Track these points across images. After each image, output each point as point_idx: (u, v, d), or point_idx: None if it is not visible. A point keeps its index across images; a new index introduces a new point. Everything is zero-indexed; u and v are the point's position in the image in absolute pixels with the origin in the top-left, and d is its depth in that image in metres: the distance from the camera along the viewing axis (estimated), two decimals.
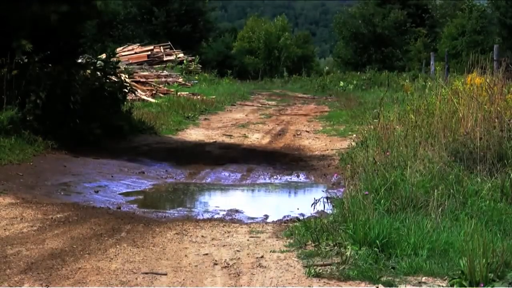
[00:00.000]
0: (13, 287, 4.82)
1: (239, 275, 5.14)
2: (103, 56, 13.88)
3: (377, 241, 5.42)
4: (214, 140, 13.73)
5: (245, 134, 14.72)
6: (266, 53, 46.50)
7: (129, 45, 30.52)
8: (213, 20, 43.73)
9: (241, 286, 4.94)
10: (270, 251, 5.77)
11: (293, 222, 6.83)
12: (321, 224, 6.10)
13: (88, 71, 13.15)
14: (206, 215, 7.48)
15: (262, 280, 5.03)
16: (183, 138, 14.08)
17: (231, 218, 7.34)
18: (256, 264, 5.39)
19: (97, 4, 13.00)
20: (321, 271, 5.11)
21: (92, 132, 11.61)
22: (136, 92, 16.58)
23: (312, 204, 6.62)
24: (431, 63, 23.20)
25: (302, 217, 6.90)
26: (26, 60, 11.75)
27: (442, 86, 9.27)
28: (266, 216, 7.48)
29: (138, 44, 30.80)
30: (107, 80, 13.31)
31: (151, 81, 23.04)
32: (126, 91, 13.83)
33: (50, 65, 12.18)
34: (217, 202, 8.40)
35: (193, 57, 30.83)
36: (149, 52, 29.48)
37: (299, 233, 6.15)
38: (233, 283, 4.98)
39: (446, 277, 4.96)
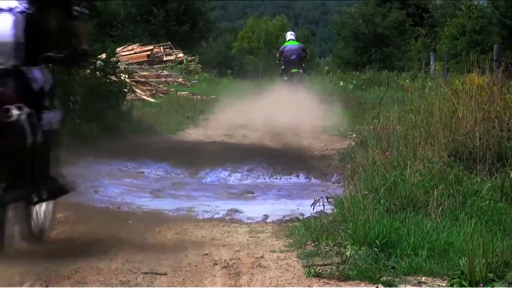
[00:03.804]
0: (13, 287, 4.82)
1: (239, 275, 5.14)
2: (103, 56, 13.88)
3: (377, 241, 5.42)
4: (214, 140, 13.73)
5: (245, 133, 14.71)
6: (266, 53, 46.48)
7: (129, 45, 30.48)
8: (213, 20, 43.68)
9: (241, 286, 4.94)
10: (270, 251, 5.77)
11: (293, 222, 6.83)
12: (321, 224, 6.11)
13: (88, 71, 13.16)
14: (206, 215, 7.48)
15: (262, 280, 5.03)
16: (183, 138, 14.07)
17: (231, 218, 7.34)
18: (256, 264, 5.40)
19: (97, 4, 13.02)
20: (320, 271, 5.11)
21: (92, 132, 11.61)
22: (136, 92, 16.58)
23: (312, 204, 6.62)
24: (431, 63, 23.21)
25: (302, 217, 6.91)
26: None
27: (442, 86, 9.28)
28: (266, 216, 7.47)
29: (138, 44, 30.76)
30: (107, 80, 13.32)
31: (151, 81, 23.03)
32: (126, 91, 13.82)
33: (49, 65, 12.16)
34: (216, 201, 8.40)
35: (193, 57, 30.81)
36: (149, 52, 29.44)
37: (299, 233, 6.16)
38: (233, 283, 4.99)
39: (446, 277, 4.96)
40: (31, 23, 4.76)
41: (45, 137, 5.15)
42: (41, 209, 5.52)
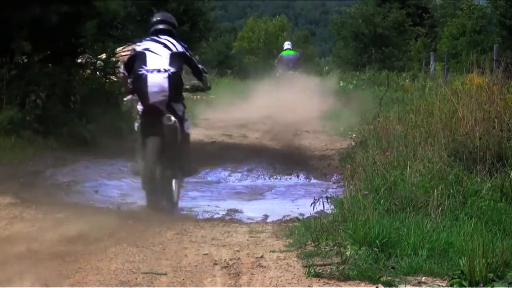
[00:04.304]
0: (13, 287, 4.82)
1: (239, 275, 5.14)
2: (103, 56, 13.88)
3: (377, 241, 5.42)
4: (214, 140, 13.73)
5: (244, 133, 14.72)
6: (266, 53, 46.52)
7: (129, 45, 30.43)
8: (213, 20, 43.70)
9: (241, 286, 4.94)
10: (270, 251, 5.77)
11: (293, 222, 6.83)
12: (321, 224, 6.11)
13: (88, 71, 13.16)
14: (206, 215, 7.49)
15: (262, 280, 5.03)
16: None
17: (231, 218, 7.35)
18: (256, 264, 5.40)
19: (97, 5, 13.03)
20: (320, 271, 5.11)
21: (92, 132, 11.61)
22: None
23: (312, 204, 6.62)
24: (431, 63, 23.23)
25: (302, 217, 6.91)
26: (26, 60, 11.76)
27: (442, 86, 9.28)
28: (266, 216, 7.48)
29: None
30: (107, 80, 13.32)
31: None
32: None
33: (50, 65, 12.20)
34: (216, 201, 8.40)
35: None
36: None
37: (299, 233, 6.16)
38: (233, 283, 4.99)
39: (446, 277, 4.97)
40: (176, 78, 7.58)
41: (184, 137, 7.93)
42: (175, 187, 7.94)
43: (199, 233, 6.47)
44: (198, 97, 21.76)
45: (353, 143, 10.85)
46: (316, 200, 6.60)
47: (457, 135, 7.86)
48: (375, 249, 5.37)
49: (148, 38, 7.91)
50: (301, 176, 10.06)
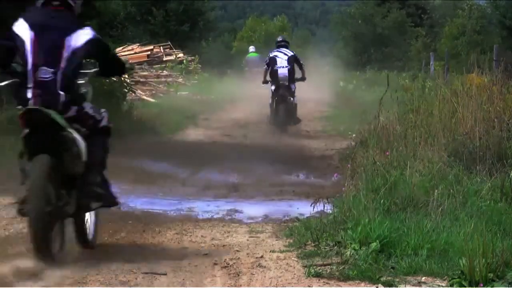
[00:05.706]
0: (14, 287, 4.82)
1: (238, 275, 5.14)
2: None
3: (377, 241, 5.42)
4: (214, 140, 13.73)
5: (245, 134, 14.72)
6: (266, 53, 46.49)
7: (129, 45, 30.46)
8: (213, 19, 43.67)
9: (241, 286, 4.94)
10: (270, 251, 5.78)
11: (293, 222, 6.83)
12: (321, 224, 6.11)
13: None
14: (206, 215, 7.48)
15: (261, 280, 5.03)
16: (183, 138, 14.07)
17: (231, 218, 7.34)
18: (256, 264, 5.40)
19: (97, 5, 13.04)
20: (320, 271, 5.11)
21: None
22: (136, 92, 16.57)
23: (312, 204, 6.62)
24: (431, 63, 23.21)
25: (302, 217, 6.90)
26: None
27: (442, 86, 9.28)
28: (266, 216, 7.47)
29: (138, 44, 30.75)
30: (107, 80, 13.31)
31: (151, 81, 23.04)
32: (126, 91, 13.81)
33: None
34: (217, 202, 8.39)
35: (193, 57, 30.81)
36: (149, 52, 29.43)
37: (299, 233, 6.16)
38: (232, 283, 4.99)
39: (446, 277, 4.97)
40: (291, 71, 14.72)
41: (295, 104, 15.02)
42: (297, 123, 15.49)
43: (199, 233, 6.47)
44: (198, 97, 21.80)
45: (353, 143, 10.84)
46: (316, 200, 6.60)
47: (457, 135, 7.86)
48: (375, 249, 5.37)
49: (276, 50, 14.83)
50: (301, 176, 10.06)
